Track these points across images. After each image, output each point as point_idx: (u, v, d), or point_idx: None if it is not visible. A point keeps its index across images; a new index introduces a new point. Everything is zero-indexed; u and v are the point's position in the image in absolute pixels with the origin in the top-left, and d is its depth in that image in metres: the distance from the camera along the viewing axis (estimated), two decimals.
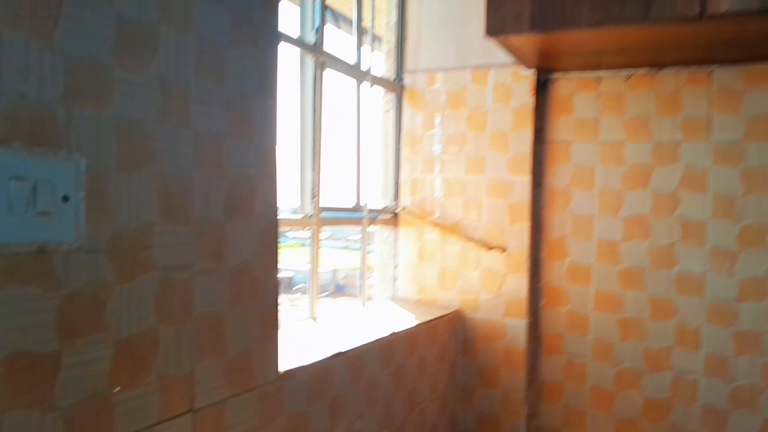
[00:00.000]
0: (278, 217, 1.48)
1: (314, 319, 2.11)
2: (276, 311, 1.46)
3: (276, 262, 1.46)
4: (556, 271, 2.47)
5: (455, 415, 2.48)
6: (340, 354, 1.70)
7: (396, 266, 2.69)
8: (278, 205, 1.47)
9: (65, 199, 1.00)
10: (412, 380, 2.11)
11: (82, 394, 1.01)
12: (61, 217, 0.99)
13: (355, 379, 1.77)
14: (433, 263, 2.57)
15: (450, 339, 2.42)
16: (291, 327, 1.98)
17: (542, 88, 2.45)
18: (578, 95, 2.41)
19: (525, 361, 2.40)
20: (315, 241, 2.12)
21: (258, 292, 1.40)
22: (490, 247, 2.44)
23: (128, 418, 1.09)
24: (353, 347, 1.78)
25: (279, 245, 1.48)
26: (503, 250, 2.42)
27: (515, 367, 2.40)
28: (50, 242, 0.97)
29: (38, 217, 0.95)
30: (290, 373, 1.50)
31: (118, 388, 1.07)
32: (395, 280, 2.69)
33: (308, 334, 1.93)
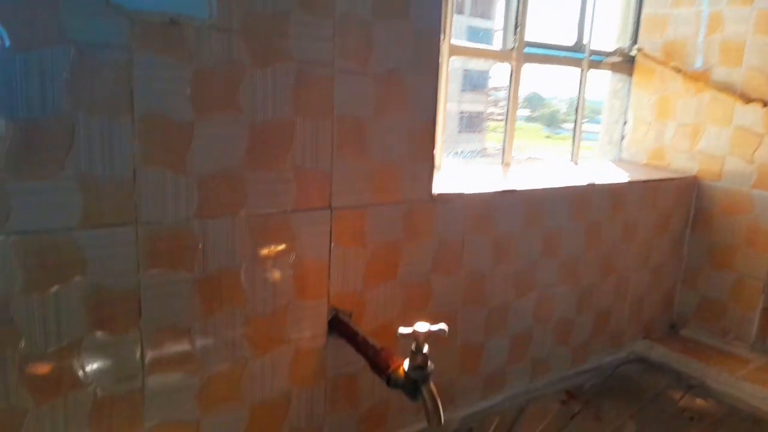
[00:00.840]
0: (440, 28, 1.34)
1: (507, 164, 1.97)
2: (432, 129, 1.37)
3: (435, 77, 1.35)
4: None
5: (672, 294, 2.15)
6: (513, 192, 1.56)
7: (625, 123, 2.32)
8: (440, 11, 1.33)
9: None
10: (612, 243, 1.86)
11: (215, 166, 1.09)
12: None
13: (530, 223, 1.62)
14: (672, 120, 2.14)
15: (676, 208, 2.04)
16: (475, 166, 1.88)
17: None
18: None
19: None
20: (515, 79, 1.92)
21: (409, 104, 1.32)
22: (749, 100, 1.92)
23: (262, 198, 1.16)
24: (532, 188, 1.62)
25: (438, 58, 1.36)
26: (766, 103, 1.88)
27: (758, 250, 1.94)
28: (182, 15, 1.02)
29: None
30: (445, 198, 1.43)
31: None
32: (622, 139, 2.33)
33: (490, 173, 1.81)
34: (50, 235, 0.97)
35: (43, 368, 0.99)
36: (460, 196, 1.46)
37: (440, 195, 1.42)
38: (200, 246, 1.11)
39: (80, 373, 1.02)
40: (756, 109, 1.90)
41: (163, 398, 1.12)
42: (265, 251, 1.18)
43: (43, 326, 0.98)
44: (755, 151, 1.92)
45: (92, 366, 1.03)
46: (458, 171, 1.77)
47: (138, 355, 1.08)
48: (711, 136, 2.03)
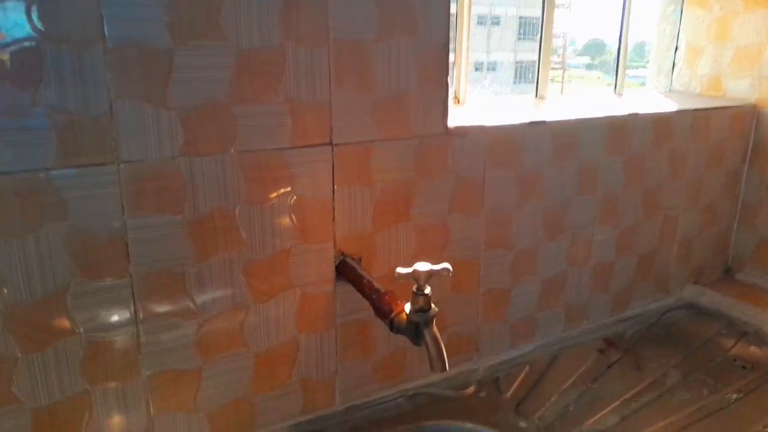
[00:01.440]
0: None
1: (541, 97, 1.81)
2: (444, 54, 1.24)
3: None
4: None
5: (726, 235, 1.97)
6: (541, 123, 1.42)
7: (677, 49, 2.10)
8: None
9: None
10: (657, 179, 1.69)
11: (199, 99, 1.01)
12: None
13: (561, 157, 1.48)
14: (729, 42, 1.92)
15: (731, 140, 1.84)
16: (505, 99, 1.74)
17: None
18: None
19: None
20: (549, 1, 1.74)
21: (417, 27, 1.19)
22: None
23: (254, 133, 1.07)
24: (564, 119, 1.47)
25: None
26: None
27: None
28: None
29: None
30: (462, 131, 1.30)
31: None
32: (674, 67, 2.11)
33: (521, 106, 1.66)
34: (26, 176, 0.91)
35: (28, 316, 0.96)
36: (480, 129, 1.33)
37: (457, 128, 1.29)
38: (189, 186, 1.04)
39: (69, 320, 0.99)
40: None
41: (160, 346, 1.08)
42: (260, 191, 1.10)
43: (25, 272, 0.94)
44: None
45: (81, 313, 0.99)
46: (485, 105, 1.63)
47: (130, 301, 1.03)
48: None
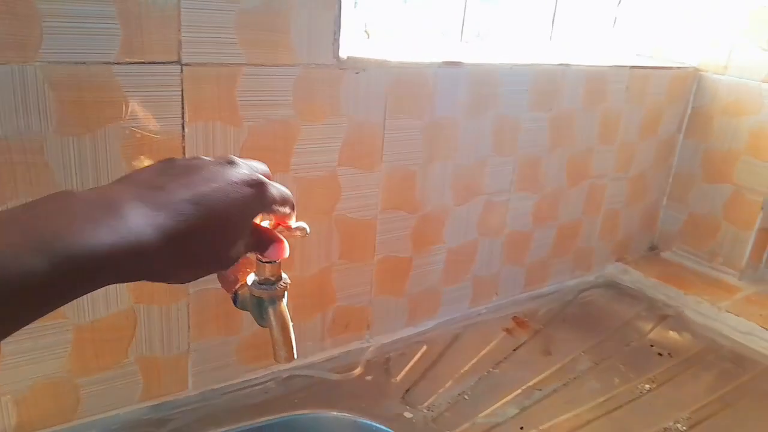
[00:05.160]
0: None
1: (465, 42, 1.59)
2: None
3: None
4: None
5: (654, 210, 1.84)
6: (456, 64, 1.20)
7: (620, 2, 1.91)
8: None
9: None
10: (585, 143, 1.52)
11: None
12: None
13: (478, 109, 1.27)
14: None
15: (667, 105, 1.69)
16: (423, 38, 1.51)
17: None
18: None
19: None
20: None
21: None
22: None
23: (65, 38, 0.80)
24: (484, 62, 1.26)
25: None
26: None
27: (762, 159, 1.60)
28: None
29: None
30: (358, 64, 1.07)
31: None
32: (614, 23, 1.94)
33: (440, 46, 1.44)
34: None
35: None
36: (380, 65, 1.10)
37: (351, 59, 1.06)
38: None
39: None
40: None
41: None
42: (80, 119, 0.84)
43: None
44: None
45: None
46: (396, 41, 1.40)
47: None
48: (717, 18, 1.64)
